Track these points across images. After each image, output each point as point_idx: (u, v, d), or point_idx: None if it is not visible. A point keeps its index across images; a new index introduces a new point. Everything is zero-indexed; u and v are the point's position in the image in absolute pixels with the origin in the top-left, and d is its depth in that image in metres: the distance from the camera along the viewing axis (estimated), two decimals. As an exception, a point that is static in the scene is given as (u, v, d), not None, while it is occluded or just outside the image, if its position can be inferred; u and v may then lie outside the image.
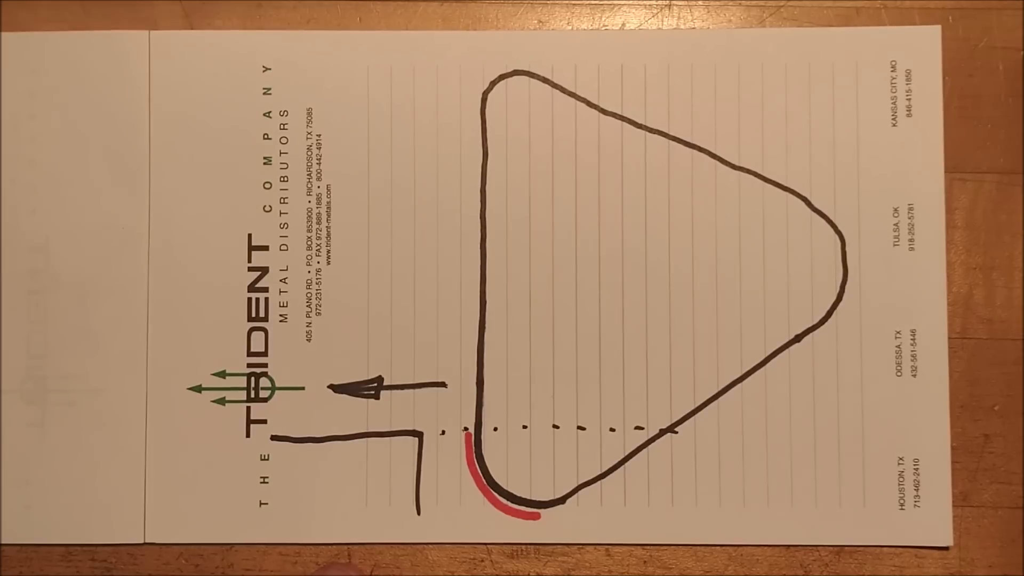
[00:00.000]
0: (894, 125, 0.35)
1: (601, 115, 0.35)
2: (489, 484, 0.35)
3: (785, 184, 0.35)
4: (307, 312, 0.35)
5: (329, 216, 0.35)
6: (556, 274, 0.35)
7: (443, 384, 0.35)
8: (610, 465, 0.35)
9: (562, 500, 0.35)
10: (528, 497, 0.35)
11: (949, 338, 0.35)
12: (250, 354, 0.35)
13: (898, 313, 0.35)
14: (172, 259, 0.35)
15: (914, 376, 0.35)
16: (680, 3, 0.36)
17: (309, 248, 0.35)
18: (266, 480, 0.35)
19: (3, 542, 0.35)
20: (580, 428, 0.35)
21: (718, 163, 0.35)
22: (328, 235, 0.35)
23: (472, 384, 0.35)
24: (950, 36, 0.35)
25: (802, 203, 0.35)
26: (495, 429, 0.35)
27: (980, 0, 0.36)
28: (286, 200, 0.35)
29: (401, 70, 0.35)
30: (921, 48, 0.35)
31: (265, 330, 0.35)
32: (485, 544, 0.35)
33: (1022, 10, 0.36)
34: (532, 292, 0.35)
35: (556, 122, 0.35)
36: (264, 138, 0.35)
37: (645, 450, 0.35)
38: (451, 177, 0.35)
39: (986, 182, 0.36)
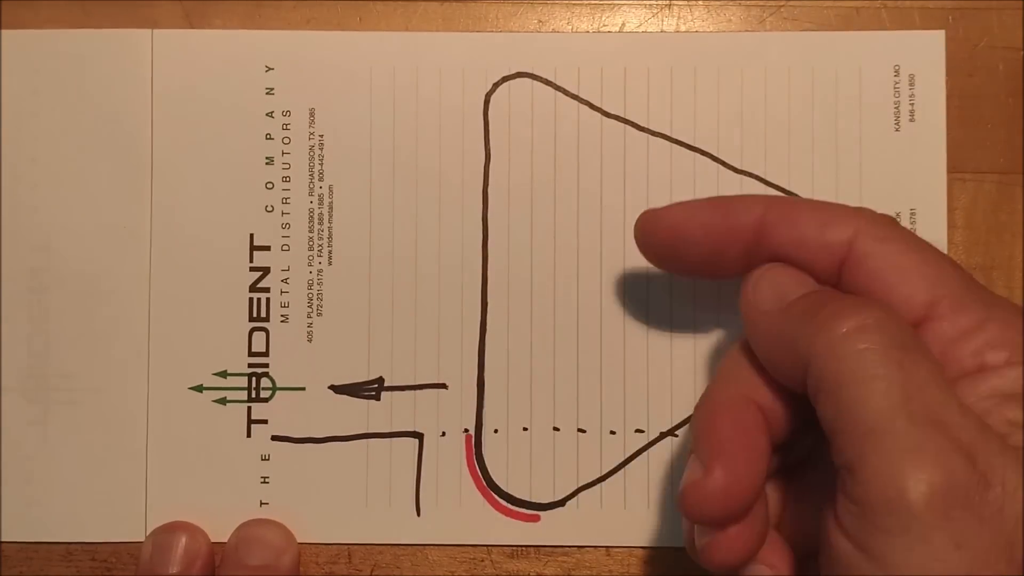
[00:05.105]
0: (897, 130, 0.35)
1: (604, 118, 0.35)
2: (489, 486, 0.35)
3: (788, 188, 0.35)
4: (308, 312, 0.35)
5: (331, 217, 0.35)
6: (558, 276, 0.35)
7: (444, 386, 0.35)
8: (610, 468, 0.35)
9: (562, 503, 0.35)
10: (528, 499, 0.35)
11: (949, 338, 0.35)
12: (251, 354, 0.35)
13: (899, 318, 0.35)
14: (174, 258, 0.35)
15: (915, 381, 0.35)
16: (680, 3, 0.36)
17: (311, 248, 0.35)
18: (267, 480, 0.35)
19: (4, 540, 0.35)
20: (580, 431, 0.35)
21: (720, 167, 0.35)
22: (330, 236, 0.35)
23: (473, 386, 0.35)
24: (950, 36, 0.35)
25: (804, 207, 0.35)
26: (495, 431, 0.35)
27: (980, 0, 0.36)
28: (288, 200, 0.35)
29: (404, 71, 0.35)
30: (924, 53, 0.35)
31: (266, 330, 0.35)
32: (485, 545, 0.35)
33: (1022, 10, 0.36)
34: (534, 294, 0.35)
35: (559, 124, 0.35)
36: (266, 138, 0.35)
37: (645, 453, 0.35)
38: (453, 179, 0.35)
39: (986, 182, 0.35)
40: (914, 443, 0.22)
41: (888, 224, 0.26)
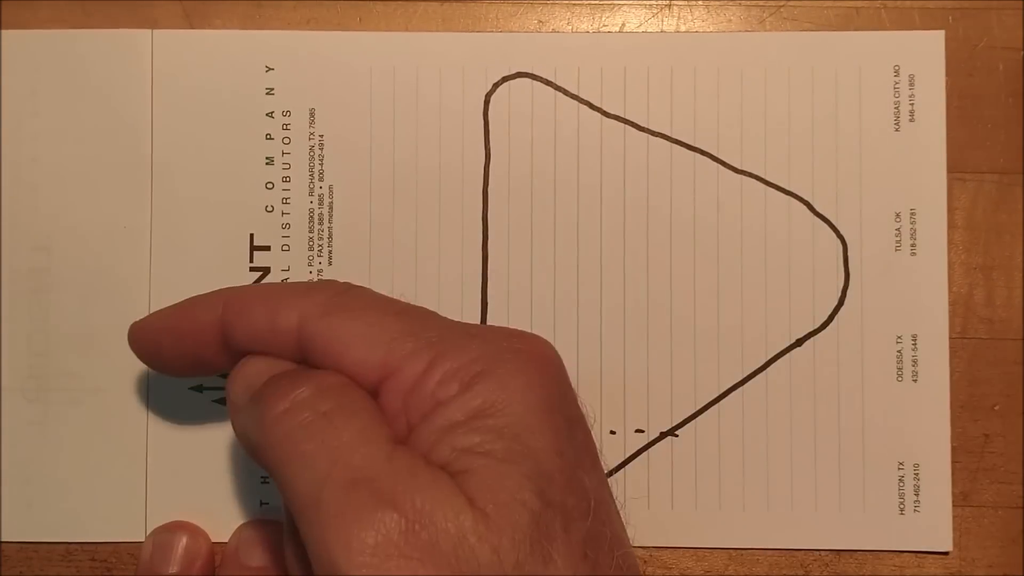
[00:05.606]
0: (897, 130, 0.35)
1: (604, 118, 0.35)
2: (490, 485, 0.35)
3: (787, 188, 0.35)
4: (308, 312, 0.35)
5: (331, 217, 0.35)
6: (558, 276, 0.35)
7: (444, 385, 0.35)
8: (610, 468, 0.35)
9: (563, 502, 0.35)
10: (529, 499, 0.35)
11: (949, 339, 0.35)
12: (251, 354, 0.35)
13: (899, 318, 0.35)
14: (174, 258, 0.35)
15: (915, 381, 0.35)
16: (680, 3, 0.36)
17: (311, 249, 0.35)
18: (267, 480, 0.35)
19: (4, 540, 0.35)
20: (581, 430, 0.35)
21: (720, 166, 0.35)
22: (330, 236, 0.35)
23: (473, 385, 0.35)
24: (950, 36, 0.35)
25: (804, 207, 0.35)
26: (496, 431, 0.35)
27: (980, 0, 0.36)
28: (288, 200, 0.35)
29: (404, 71, 0.35)
30: (924, 53, 0.35)
31: (266, 330, 0.35)
32: (485, 545, 0.35)
33: (1022, 10, 0.36)
34: (534, 294, 0.35)
35: (559, 124, 0.35)
36: (266, 138, 0.35)
37: (645, 453, 0.35)
38: (453, 179, 0.35)
39: (986, 182, 0.36)
40: (337, 509, 0.22)
41: (334, 297, 0.26)
